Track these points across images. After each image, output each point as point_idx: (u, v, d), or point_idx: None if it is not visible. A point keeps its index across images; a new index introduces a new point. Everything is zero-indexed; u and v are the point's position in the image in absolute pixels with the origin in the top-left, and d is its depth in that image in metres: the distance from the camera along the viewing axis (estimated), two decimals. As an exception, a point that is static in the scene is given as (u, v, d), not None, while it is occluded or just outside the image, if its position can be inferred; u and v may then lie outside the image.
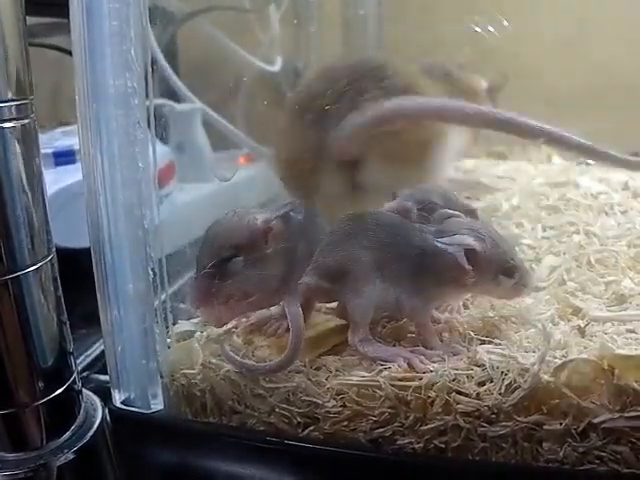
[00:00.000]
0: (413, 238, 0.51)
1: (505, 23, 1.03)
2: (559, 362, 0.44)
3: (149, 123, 0.46)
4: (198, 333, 0.54)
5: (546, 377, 0.43)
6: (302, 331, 0.47)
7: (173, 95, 0.95)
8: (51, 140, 0.74)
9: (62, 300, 0.46)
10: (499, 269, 0.52)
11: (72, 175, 0.69)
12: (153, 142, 0.47)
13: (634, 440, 0.42)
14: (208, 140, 0.96)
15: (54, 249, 0.46)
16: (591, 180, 0.94)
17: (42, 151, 0.67)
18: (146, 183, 0.47)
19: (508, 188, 0.94)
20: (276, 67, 1.09)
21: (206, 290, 0.50)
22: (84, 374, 0.56)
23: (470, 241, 0.50)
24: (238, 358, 0.49)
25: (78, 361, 0.57)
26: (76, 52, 0.45)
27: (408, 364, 0.47)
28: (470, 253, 0.50)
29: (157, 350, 0.50)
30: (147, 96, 0.46)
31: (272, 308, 0.55)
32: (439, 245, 0.50)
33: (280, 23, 1.10)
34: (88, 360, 0.60)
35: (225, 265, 0.50)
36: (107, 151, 0.45)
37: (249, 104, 1.00)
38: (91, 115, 0.45)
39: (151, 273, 0.48)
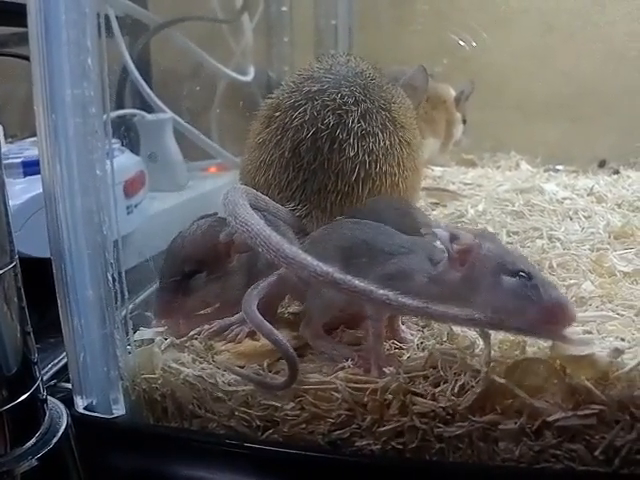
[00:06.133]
0: (386, 243, 0.49)
1: (479, 34, 1.05)
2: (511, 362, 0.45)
3: (107, 131, 0.47)
4: (158, 338, 0.54)
5: (498, 378, 0.44)
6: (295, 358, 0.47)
7: (148, 106, 0.95)
8: (21, 150, 0.74)
9: (26, 311, 0.46)
10: (499, 267, 0.43)
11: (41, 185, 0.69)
12: (110, 149, 0.48)
13: (588, 437, 0.42)
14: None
15: (17, 258, 0.46)
16: (557, 186, 0.95)
17: (11, 161, 0.68)
18: (105, 190, 0.47)
19: (475, 195, 0.96)
20: (249, 77, 1.10)
21: (169, 304, 0.51)
22: (52, 382, 0.56)
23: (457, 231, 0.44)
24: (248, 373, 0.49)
25: (46, 370, 0.57)
26: (34, 61, 0.45)
27: (355, 363, 0.48)
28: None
29: (118, 355, 0.50)
30: (104, 104, 0.46)
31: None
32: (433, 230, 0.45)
33: (253, 33, 1.12)
34: (56, 369, 0.59)
35: (188, 280, 0.51)
36: (65, 159, 0.46)
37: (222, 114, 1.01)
38: (49, 124, 0.45)
39: (110, 279, 0.48)
